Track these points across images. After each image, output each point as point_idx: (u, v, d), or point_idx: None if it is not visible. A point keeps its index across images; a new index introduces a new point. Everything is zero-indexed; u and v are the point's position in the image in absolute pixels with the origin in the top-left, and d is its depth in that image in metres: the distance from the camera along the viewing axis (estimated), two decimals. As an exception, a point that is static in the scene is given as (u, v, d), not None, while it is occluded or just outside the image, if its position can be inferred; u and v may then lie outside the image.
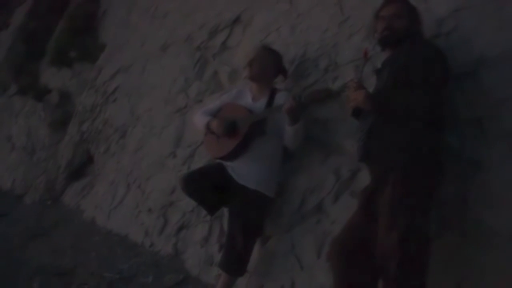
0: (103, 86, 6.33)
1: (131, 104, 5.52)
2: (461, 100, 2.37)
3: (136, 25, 6.56)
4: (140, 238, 4.31)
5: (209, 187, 3.13)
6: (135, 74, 5.74)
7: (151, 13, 6.22)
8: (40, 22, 9.65)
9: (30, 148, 7.65)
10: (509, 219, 2.13)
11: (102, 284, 3.80)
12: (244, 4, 4.25)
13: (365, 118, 2.39)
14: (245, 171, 3.06)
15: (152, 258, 3.98)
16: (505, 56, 2.28)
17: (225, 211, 3.36)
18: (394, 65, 2.36)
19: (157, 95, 5.04)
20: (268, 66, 3.21)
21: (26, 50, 9.43)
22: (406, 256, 2.04)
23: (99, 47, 7.41)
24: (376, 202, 2.23)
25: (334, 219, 2.82)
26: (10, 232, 5.60)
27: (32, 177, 7.13)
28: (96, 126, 6.20)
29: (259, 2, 4.11)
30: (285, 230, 3.08)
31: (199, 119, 3.32)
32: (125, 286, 3.74)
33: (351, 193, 2.80)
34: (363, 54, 2.48)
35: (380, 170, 2.30)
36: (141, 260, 4.01)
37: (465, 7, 2.52)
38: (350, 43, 3.08)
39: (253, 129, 3.03)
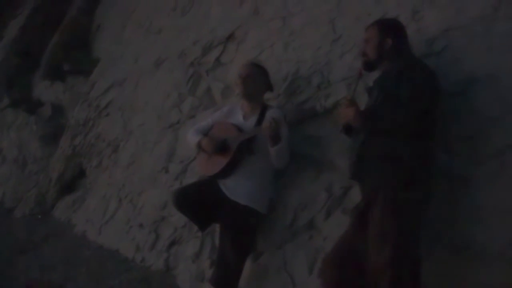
0: (96, 101, 6.33)
1: (124, 119, 5.52)
2: (451, 119, 2.40)
3: (130, 40, 6.60)
4: (131, 253, 4.28)
5: (200, 202, 3.13)
6: (128, 89, 5.75)
7: (145, 28, 6.26)
8: (33, 35, 9.66)
9: (21, 161, 7.59)
10: (499, 236, 2.15)
11: (92, 299, 3.78)
12: (238, 21, 4.30)
13: (356, 135, 2.41)
14: (236, 187, 3.06)
15: (143, 274, 3.95)
16: (495, 76, 2.32)
17: (216, 226, 3.36)
18: (384, 83, 2.39)
19: (150, 110, 5.05)
20: (260, 82, 3.23)
21: (20, 63, 9.41)
22: (397, 274, 2.05)
23: (93, 61, 7.43)
24: (367, 220, 2.24)
25: (326, 236, 2.83)
26: (-1, 246, 5.55)
27: (22, 190, 7.07)
28: (88, 140, 6.18)
29: (253, 20, 4.15)
30: (277, 246, 3.08)
31: (191, 138, 3.34)
32: (116, 302, 3.72)
33: (343, 210, 2.81)
34: (357, 73, 2.52)
35: (371, 187, 2.32)
36: (132, 276, 3.98)
37: (455, 27, 2.57)
38: (342, 61, 3.12)
39: (242, 147, 3.05)
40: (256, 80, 3.21)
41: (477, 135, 2.31)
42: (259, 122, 3.10)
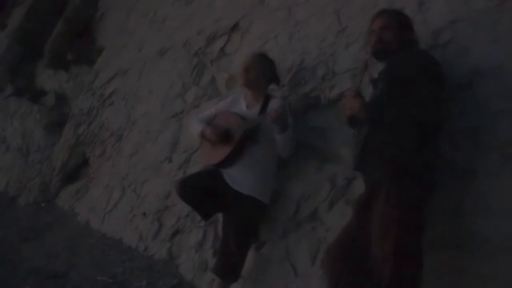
0: (100, 90, 6.34)
1: (128, 108, 5.53)
2: (456, 111, 2.39)
3: (134, 29, 6.58)
4: (134, 242, 4.31)
5: (203, 192, 3.12)
6: (132, 78, 5.75)
7: (149, 17, 6.24)
8: (37, 24, 9.64)
9: (25, 149, 7.61)
10: (504, 229, 2.14)
11: (95, 288, 3.80)
12: (243, 11, 4.28)
13: (361, 127, 2.40)
14: (240, 177, 3.06)
15: (146, 263, 3.98)
16: (500, 68, 2.31)
17: (219, 216, 3.37)
18: (389, 75, 2.38)
19: (154, 100, 5.05)
20: (263, 73, 3.22)
21: (23, 51, 9.42)
22: (398, 266, 2.05)
23: (96, 50, 7.42)
24: (370, 211, 2.24)
25: (329, 227, 2.84)
26: (3, 234, 5.56)
27: (26, 179, 7.10)
28: (92, 129, 6.20)
29: (258, 10, 4.13)
30: (280, 236, 3.10)
31: (194, 127, 3.33)
32: (118, 290, 3.75)
33: (346, 201, 2.82)
34: (363, 64, 2.50)
35: (375, 179, 2.31)
36: (135, 264, 4.01)
37: (461, 19, 2.55)
38: (347, 52, 3.10)
39: (246, 136, 3.04)
40: (258, 71, 3.20)
41: (482, 128, 2.30)
42: (263, 111, 3.10)
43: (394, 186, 2.17)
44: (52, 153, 6.91)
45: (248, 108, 3.20)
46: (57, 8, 9.48)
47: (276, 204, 3.17)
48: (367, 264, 2.16)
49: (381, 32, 2.47)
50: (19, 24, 10.02)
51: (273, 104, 3.07)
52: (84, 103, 6.55)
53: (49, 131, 7.41)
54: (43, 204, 6.39)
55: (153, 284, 3.64)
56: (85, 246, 4.68)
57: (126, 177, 4.97)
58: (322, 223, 2.91)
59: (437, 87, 2.25)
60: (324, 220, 2.91)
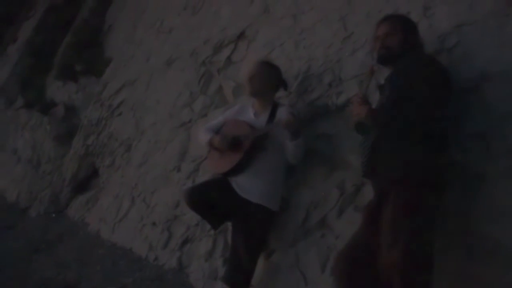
0: (109, 100, 6.38)
1: (136, 118, 5.56)
2: (464, 115, 2.38)
3: (141, 40, 6.63)
4: (144, 252, 4.31)
5: (212, 201, 3.13)
6: (140, 89, 5.78)
7: (156, 28, 6.29)
8: (46, 36, 9.77)
9: (36, 161, 7.68)
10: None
11: (106, 298, 3.81)
12: (249, 20, 4.30)
13: (368, 133, 2.39)
14: (248, 185, 3.06)
15: (156, 272, 3.98)
16: (507, 72, 2.29)
17: (229, 225, 3.36)
18: (396, 80, 2.37)
19: (162, 110, 5.08)
20: (267, 81, 3.22)
21: (33, 64, 9.53)
22: (409, 273, 2.03)
23: (105, 61, 7.48)
24: (379, 217, 2.23)
25: (338, 234, 2.82)
26: (15, 244, 5.61)
27: (37, 190, 7.15)
28: (101, 139, 6.23)
29: (264, 18, 4.15)
30: (289, 244, 3.08)
31: (202, 136, 3.34)
32: (129, 300, 3.75)
33: (355, 207, 2.81)
34: (369, 70, 2.49)
35: (383, 185, 2.30)
36: (145, 274, 4.01)
37: (467, 23, 2.54)
38: (354, 58, 3.10)
39: (254, 144, 3.04)
40: (263, 79, 3.20)
41: (490, 132, 2.28)
42: (271, 119, 3.11)
43: (402, 192, 2.16)
44: (62, 164, 6.96)
45: (256, 116, 3.20)
46: (66, 20, 9.60)
47: (285, 211, 3.16)
48: (378, 271, 2.15)
49: (385, 38, 2.46)
50: (29, 37, 10.15)
51: (281, 112, 3.07)
52: (93, 114, 6.60)
53: (59, 142, 7.46)
54: (53, 215, 6.42)
55: (163, 294, 3.65)
56: (95, 256, 4.69)
57: (135, 187, 4.99)
58: (332, 231, 2.90)
59: (443, 92, 2.24)
60: (334, 228, 2.89)
